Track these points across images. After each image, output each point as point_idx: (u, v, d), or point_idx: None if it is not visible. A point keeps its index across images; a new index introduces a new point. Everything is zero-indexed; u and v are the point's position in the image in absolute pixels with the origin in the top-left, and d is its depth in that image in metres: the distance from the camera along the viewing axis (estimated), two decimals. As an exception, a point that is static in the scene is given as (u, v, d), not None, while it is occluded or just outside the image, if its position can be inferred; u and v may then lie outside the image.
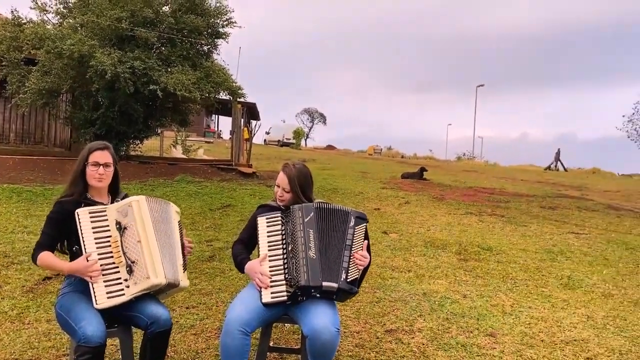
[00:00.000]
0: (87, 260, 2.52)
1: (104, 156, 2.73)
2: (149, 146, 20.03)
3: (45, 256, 2.61)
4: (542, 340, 3.80)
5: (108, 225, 2.59)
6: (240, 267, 2.89)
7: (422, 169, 15.54)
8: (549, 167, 33.20)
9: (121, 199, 2.78)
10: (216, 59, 12.75)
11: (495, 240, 7.15)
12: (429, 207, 9.74)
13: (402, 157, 44.68)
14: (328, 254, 2.71)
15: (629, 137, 20.04)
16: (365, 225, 2.84)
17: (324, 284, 2.63)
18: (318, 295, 2.67)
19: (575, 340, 3.84)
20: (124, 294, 2.53)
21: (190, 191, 9.59)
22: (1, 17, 13.34)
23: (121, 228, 2.57)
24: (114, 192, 2.88)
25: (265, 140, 46.96)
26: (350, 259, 2.72)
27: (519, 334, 3.90)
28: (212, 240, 6.30)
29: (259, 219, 2.82)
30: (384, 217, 8.47)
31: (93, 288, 2.52)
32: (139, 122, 11.75)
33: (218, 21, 12.36)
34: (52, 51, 9.82)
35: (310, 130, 76.28)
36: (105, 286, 2.53)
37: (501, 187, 14.88)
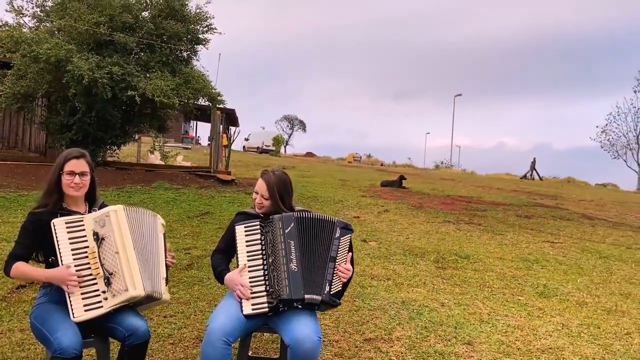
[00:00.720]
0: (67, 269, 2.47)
1: (79, 165, 2.66)
2: (127, 152, 19.79)
3: (20, 266, 2.55)
4: (518, 349, 3.85)
5: (85, 236, 2.53)
6: (220, 279, 2.87)
7: (401, 177, 15.66)
8: (524, 176, 33.72)
9: (98, 208, 2.73)
10: (196, 65, 12.71)
11: (472, 248, 7.24)
12: (408, 216, 9.81)
13: (382, 164, 44.98)
14: (311, 266, 2.69)
15: (602, 147, 20.55)
16: (350, 236, 2.84)
17: (307, 296, 2.63)
18: (300, 306, 2.67)
19: (550, 348, 3.89)
20: (102, 307, 2.48)
21: (167, 198, 9.50)
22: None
23: (99, 239, 2.52)
24: (91, 200, 2.82)
25: (244, 147, 46.74)
26: (334, 271, 2.72)
27: (495, 342, 3.94)
28: (190, 249, 6.24)
29: (237, 227, 2.79)
30: (364, 225, 8.50)
31: (70, 300, 2.46)
32: (116, 127, 11.61)
33: (198, 27, 12.33)
34: (28, 55, 9.66)
35: (289, 137, 76.32)
36: (83, 298, 2.47)
37: (478, 196, 15.08)
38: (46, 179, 2.73)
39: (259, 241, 2.74)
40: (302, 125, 79.20)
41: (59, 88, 10.67)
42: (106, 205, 2.78)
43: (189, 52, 12.52)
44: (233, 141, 17.91)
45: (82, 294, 2.48)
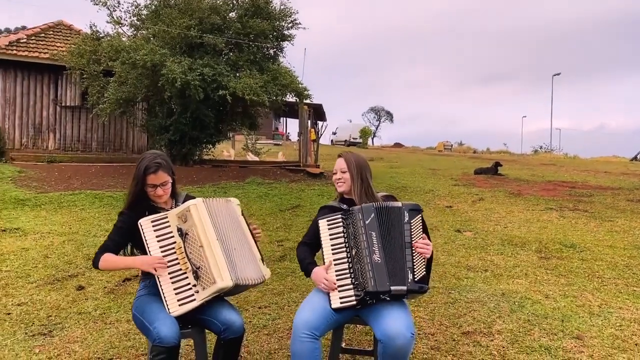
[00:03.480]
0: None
1: (158, 178, 2.70)
2: (220, 150, 20.63)
3: (108, 256, 2.63)
4: (636, 344, 3.50)
5: (171, 232, 2.59)
6: (307, 272, 2.84)
7: (497, 164, 14.95)
8: (635, 158, 31.07)
9: (183, 201, 2.79)
10: (282, 62, 12.90)
11: (578, 236, 6.73)
12: (505, 204, 9.33)
13: (474, 152, 43.35)
14: (393, 256, 2.60)
15: None
16: (420, 216, 2.71)
17: (393, 288, 2.53)
18: (388, 298, 2.57)
19: (675, 344, 3.50)
20: (194, 299, 2.52)
21: (260, 193, 9.73)
22: (82, 32, 14.17)
23: (183, 234, 2.56)
24: (175, 195, 2.88)
25: (332, 140, 47.07)
26: (413, 256, 2.60)
27: (609, 336, 3.61)
28: (282, 241, 6.33)
29: (320, 221, 2.75)
30: (457, 215, 8.20)
31: (165, 296, 2.53)
32: (210, 127, 12.07)
33: (283, 24, 12.51)
34: (127, 62, 10.28)
35: (377, 128, 75.88)
36: (176, 293, 2.53)
37: (583, 180, 14.04)
38: (129, 188, 2.78)
39: (342, 234, 2.68)
40: (389, 116, 78.44)
41: (156, 92, 11.26)
42: (192, 198, 2.83)
43: (275, 49, 12.74)
44: (321, 135, 18.04)
45: (174, 289, 2.54)
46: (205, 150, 13.61)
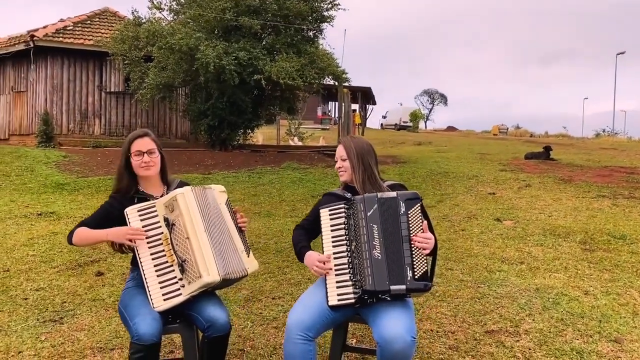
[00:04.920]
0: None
1: (144, 143, 2.58)
2: (268, 135, 20.62)
3: (81, 231, 2.49)
4: (684, 352, 3.09)
5: (159, 222, 2.43)
6: (300, 256, 2.63)
7: (547, 148, 14.16)
8: None
9: (175, 189, 2.62)
10: (321, 44, 12.61)
11: (630, 227, 6.17)
12: (553, 190, 8.76)
13: (531, 135, 41.65)
14: (393, 253, 2.34)
15: None
16: (420, 205, 2.43)
17: (393, 287, 2.28)
18: (389, 298, 2.32)
19: None
20: (180, 294, 2.37)
21: (294, 178, 9.56)
22: (125, 19, 14.36)
23: (169, 224, 2.40)
24: (166, 181, 2.73)
25: (382, 124, 46.46)
26: (412, 251, 2.33)
27: (653, 341, 3.22)
28: (309, 228, 6.13)
29: (321, 210, 2.52)
30: (499, 203, 7.74)
31: (149, 289, 2.38)
32: (247, 111, 11.99)
33: (322, 4, 12.18)
34: (164, 47, 10.29)
35: (430, 112, 74.39)
36: (161, 287, 2.38)
37: (644, 166, 13.09)
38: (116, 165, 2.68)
39: (344, 225, 2.45)
40: (443, 99, 76.68)
41: (194, 76, 11.25)
42: (186, 184, 2.66)
43: (314, 31, 12.45)
44: (367, 119, 17.70)
45: (160, 282, 2.39)
46: (244, 135, 13.56)
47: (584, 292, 4.09)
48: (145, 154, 2.57)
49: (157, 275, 2.40)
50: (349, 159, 2.65)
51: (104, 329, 3.60)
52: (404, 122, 43.38)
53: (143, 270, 2.41)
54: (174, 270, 2.40)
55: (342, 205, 2.47)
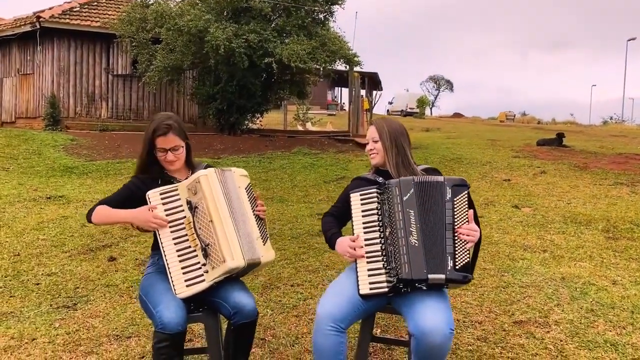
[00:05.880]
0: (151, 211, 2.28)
1: (168, 141, 2.41)
2: (274, 119, 20.44)
3: (101, 209, 2.37)
4: None
5: (181, 205, 2.31)
6: (331, 244, 2.50)
7: (560, 135, 13.95)
8: None
9: None
10: (332, 27, 12.36)
11: (653, 215, 6.03)
12: (570, 177, 8.60)
13: (539, 122, 41.29)
14: (431, 240, 2.20)
15: None
16: (467, 193, 2.28)
17: (430, 276, 2.14)
18: (424, 287, 2.19)
19: None
20: (203, 280, 2.25)
21: (306, 163, 9.43)
22: (133, 0, 14.13)
23: (192, 207, 2.28)
24: (191, 165, 2.59)
25: (388, 110, 46.15)
26: (454, 240, 2.19)
27: (689, 334, 3.09)
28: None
29: (352, 195, 2.38)
30: (515, 189, 7.60)
31: (171, 275, 2.27)
32: (256, 95, 11.81)
33: (332, -15, 11.94)
34: (172, 28, 10.10)
35: (436, 98, 73.87)
36: (184, 273, 2.26)
37: (658, 153, 12.89)
38: (138, 152, 2.53)
39: (376, 210, 2.30)
40: (449, 85, 76.06)
41: (203, 59, 11.07)
42: (211, 167, 2.53)
43: (325, 14, 12.21)
44: (374, 105, 17.50)
45: (182, 267, 2.27)
46: (254, 119, 13.39)
47: (612, 281, 3.97)
48: (169, 152, 2.43)
49: (180, 261, 2.28)
50: (381, 140, 2.51)
51: (119, 315, 3.50)
52: (410, 108, 43.03)
53: (165, 256, 2.29)
54: (197, 256, 2.28)
55: (375, 190, 2.33)
